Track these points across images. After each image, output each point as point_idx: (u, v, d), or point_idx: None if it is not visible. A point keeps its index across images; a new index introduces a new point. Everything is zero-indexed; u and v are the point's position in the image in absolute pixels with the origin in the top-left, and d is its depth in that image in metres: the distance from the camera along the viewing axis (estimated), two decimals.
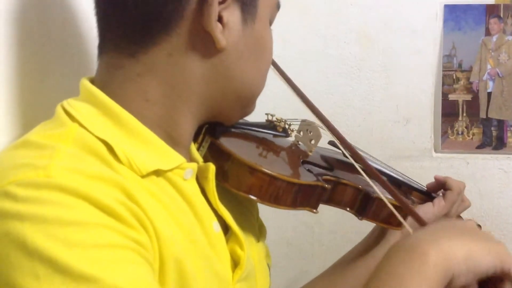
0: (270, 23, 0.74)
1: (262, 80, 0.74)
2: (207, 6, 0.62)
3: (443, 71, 1.48)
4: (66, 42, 0.84)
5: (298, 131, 0.91)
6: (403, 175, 1.06)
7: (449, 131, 1.49)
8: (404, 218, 0.84)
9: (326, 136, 0.87)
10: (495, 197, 1.48)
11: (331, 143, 0.91)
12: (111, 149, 0.59)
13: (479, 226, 0.99)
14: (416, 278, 0.56)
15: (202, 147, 0.76)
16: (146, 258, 0.53)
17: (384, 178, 0.98)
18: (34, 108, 0.76)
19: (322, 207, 1.49)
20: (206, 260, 0.65)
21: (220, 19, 0.64)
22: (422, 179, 1.07)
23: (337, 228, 1.52)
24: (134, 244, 0.52)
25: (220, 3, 0.63)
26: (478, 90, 1.47)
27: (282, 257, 1.56)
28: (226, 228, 0.73)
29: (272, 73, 0.77)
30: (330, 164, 0.92)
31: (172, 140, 0.67)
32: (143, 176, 0.61)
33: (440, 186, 1.04)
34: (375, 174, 0.80)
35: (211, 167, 0.70)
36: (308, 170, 0.83)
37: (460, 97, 1.48)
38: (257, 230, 0.87)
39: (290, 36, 1.50)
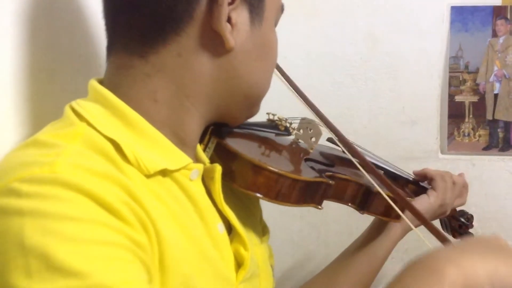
0: (275, 24, 0.75)
1: (268, 80, 0.75)
2: (217, 6, 0.63)
3: (449, 72, 1.48)
4: (74, 43, 0.85)
5: (298, 129, 0.92)
6: (399, 169, 1.08)
7: (456, 133, 1.49)
8: (402, 211, 0.86)
9: (325, 133, 0.88)
10: (502, 198, 1.48)
11: (329, 140, 0.92)
12: (119, 149, 0.59)
13: None
14: None
15: (208, 148, 0.77)
16: (141, 259, 0.53)
17: (381, 172, 0.99)
18: (43, 108, 0.76)
19: (328, 209, 1.50)
20: (209, 261, 0.66)
21: (229, 19, 0.64)
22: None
23: (343, 229, 1.52)
24: (131, 244, 0.52)
25: (229, 3, 0.64)
26: (484, 92, 1.47)
27: (289, 258, 1.57)
28: (230, 229, 0.74)
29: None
30: (331, 160, 0.93)
31: (180, 140, 0.67)
32: (149, 176, 0.61)
33: (424, 179, 1.05)
34: (372, 168, 0.80)
35: (218, 168, 0.70)
36: (311, 167, 0.85)
37: (466, 98, 1.48)
38: (261, 231, 0.88)
39: (296, 37, 1.51)
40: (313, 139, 0.90)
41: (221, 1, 0.62)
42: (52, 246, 0.47)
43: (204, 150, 0.77)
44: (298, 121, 0.93)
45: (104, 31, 0.69)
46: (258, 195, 0.74)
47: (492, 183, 1.48)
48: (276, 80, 0.81)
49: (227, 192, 0.75)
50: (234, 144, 0.76)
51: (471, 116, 1.48)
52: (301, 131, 0.92)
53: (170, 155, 0.65)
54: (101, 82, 0.67)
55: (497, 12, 1.46)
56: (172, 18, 0.63)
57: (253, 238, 0.81)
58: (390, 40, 1.49)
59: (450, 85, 1.48)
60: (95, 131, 0.60)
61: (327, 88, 1.51)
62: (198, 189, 0.68)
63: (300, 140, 0.93)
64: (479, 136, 1.48)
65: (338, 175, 0.85)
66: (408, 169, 1.11)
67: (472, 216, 1.12)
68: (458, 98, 1.48)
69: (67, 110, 0.63)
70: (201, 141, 0.76)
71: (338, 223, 1.52)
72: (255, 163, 0.73)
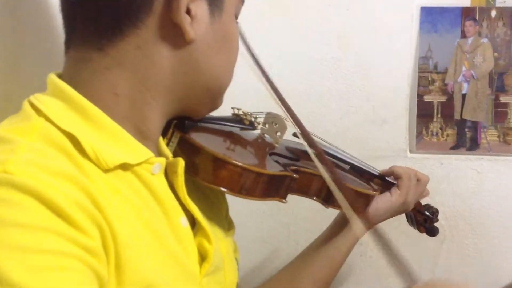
0: (236, 16, 0.75)
1: (229, 73, 0.75)
2: None
3: (418, 72, 1.49)
4: (39, 36, 0.84)
5: (264, 124, 0.93)
6: (367, 165, 1.09)
7: (424, 132, 1.50)
8: (368, 204, 0.86)
9: (290, 128, 0.89)
10: (469, 197, 1.50)
11: (295, 134, 0.93)
12: (77, 143, 0.59)
13: None
14: None
15: (172, 142, 0.77)
16: (92, 267, 0.52)
17: (347, 167, 1.00)
18: (6, 103, 0.75)
19: (298, 207, 1.51)
20: (172, 255, 0.65)
21: (188, 11, 0.64)
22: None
23: (313, 227, 1.51)
24: (81, 251, 0.51)
25: None
26: (453, 92, 1.49)
27: (258, 256, 1.57)
28: (194, 223, 0.73)
29: (237, 67, 0.78)
30: (296, 154, 0.94)
31: (141, 134, 0.67)
32: (109, 170, 0.61)
33: (389, 175, 1.07)
34: (325, 158, 0.79)
35: (181, 162, 0.70)
36: (276, 161, 0.85)
37: (435, 98, 1.50)
38: (226, 226, 0.88)
39: (268, 37, 1.51)
40: (279, 134, 0.91)
41: None
42: None
43: (168, 145, 0.77)
44: (264, 115, 0.93)
45: None
46: (222, 189, 0.74)
47: (459, 182, 1.50)
48: (243, 73, 0.81)
49: (191, 186, 0.75)
50: (198, 138, 0.76)
51: (439, 115, 1.50)
52: (267, 125, 0.92)
53: (131, 149, 0.64)
54: (60, 76, 0.66)
55: (466, 13, 1.48)
56: (131, 10, 0.62)
57: (217, 232, 0.81)
58: (360, 40, 1.50)
59: (419, 85, 1.50)
60: (53, 126, 0.59)
61: (298, 88, 1.52)
62: (160, 183, 0.67)
63: (265, 135, 0.93)
64: (447, 135, 1.50)
65: (302, 169, 0.85)
66: (377, 167, 1.12)
67: (437, 210, 1.13)
68: (427, 98, 1.50)
69: (25, 104, 0.62)
70: (164, 135, 0.76)
71: (307, 221, 1.53)
72: (219, 157, 0.73)
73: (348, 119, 1.52)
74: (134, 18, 0.63)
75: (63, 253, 0.49)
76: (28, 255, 0.47)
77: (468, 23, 1.48)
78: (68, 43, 0.67)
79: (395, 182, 1.05)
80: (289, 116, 0.82)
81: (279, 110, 0.85)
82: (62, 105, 0.62)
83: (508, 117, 1.48)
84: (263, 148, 0.90)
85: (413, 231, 1.16)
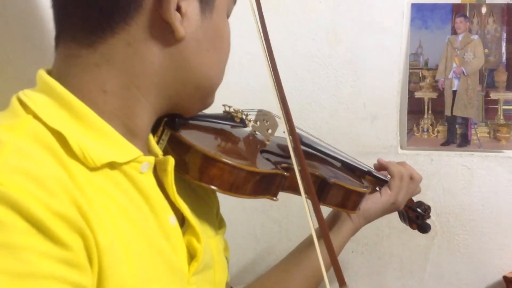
0: (228, 15, 0.75)
1: (220, 71, 0.75)
2: None
3: (409, 69, 1.50)
4: (28, 33, 0.84)
5: (255, 121, 0.92)
6: (358, 162, 1.09)
7: (415, 128, 1.51)
8: (360, 201, 0.86)
9: (281, 126, 0.89)
10: (459, 193, 1.51)
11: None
12: (64, 141, 0.58)
13: None
14: None
15: (162, 140, 0.77)
16: (73, 283, 0.51)
17: (338, 164, 1.00)
18: None
19: (290, 203, 1.51)
20: (160, 254, 0.65)
21: (178, 9, 0.64)
22: (388, 175, 1.09)
23: (305, 223, 1.52)
24: (62, 268, 0.50)
25: None
26: (443, 88, 1.49)
27: (250, 252, 1.57)
28: (184, 222, 0.73)
29: (228, 65, 0.77)
30: (287, 152, 0.93)
31: (130, 131, 0.66)
32: (96, 169, 0.60)
33: (383, 169, 1.07)
34: (300, 154, 0.77)
35: (171, 160, 0.70)
36: (267, 159, 0.85)
37: (426, 95, 1.50)
38: (216, 224, 0.88)
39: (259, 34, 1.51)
40: (270, 131, 0.91)
41: None
42: None
43: (158, 142, 0.76)
44: (255, 113, 0.93)
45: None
46: (212, 187, 0.74)
47: (450, 178, 1.51)
48: (234, 71, 0.81)
49: (182, 184, 0.75)
50: (188, 136, 0.76)
51: (430, 112, 1.50)
52: (258, 123, 0.92)
53: (119, 147, 0.64)
54: (49, 72, 0.65)
55: (457, 10, 1.49)
56: (121, 6, 0.62)
57: (207, 230, 0.81)
58: (351, 37, 1.50)
59: (410, 82, 1.50)
60: (40, 124, 0.58)
61: (289, 84, 1.52)
62: (148, 181, 0.67)
63: (256, 132, 0.93)
64: (438, 132, 1.51)
65: (293, 167, 0.85)
66: (368, 164, 1.12)
67: (429, 207, 1.14)
68: (417, 95, 1.51)
69: (14, 100, 0.61)
70: (154, 133, 0.76)
71: (299, 218, 1.54)
72: (209, 155, 0.73)
73: (339, 115, 1.52)
74: (124, 15, 0.62)
75: (45, 276, 0.49)
76: (10, 279, 0.46)
77: (459, 19, 1.49)
78: (58, 39, 0.66)
79: (386, 179, 1.06)
80: (283, 113, 0.82)
81: (274, 108, 0.85)
82: (50, 102, 0.61)
83: (498, 113, 1.49)
84: (254, 145, 0.89)
85: (405, 227, 1.16)
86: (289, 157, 0.90)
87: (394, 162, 1.08)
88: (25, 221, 0.49)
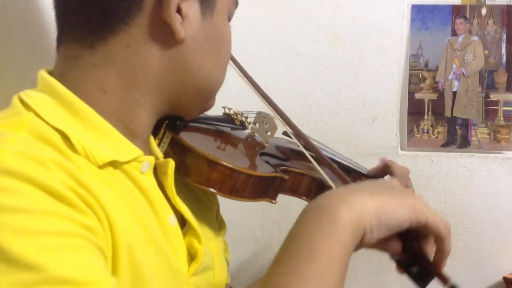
0: (229, 19, 0.75)
1: (221, 74, 0.75)
2: None
3: (409, 70, 1.50)
4: (28, 34, 0.84)
5: (254, 123, 0.93)
6: (354, 163, 1.09)
7: (415, 130, 1.51)
8: None
9: (280, 127, 0.89)
10: (459, 194, 1.50)
11: (285, 133, 0.93)
12: (66, 139, 0.59)
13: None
14: (327, 241, 0.56)
15: (163, 142, 0.77)
16: (97, 244, 0.53)
17: (335, 165, 1.01)
18: None
19: (290, 204, 1.51)
20: (160, 253, 0.66)
21: (179, 10, 0.64)
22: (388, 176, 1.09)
23: None
24: (84, 230, 0.52)
25: None
26: (443, 89, 1.50)
27: (250, 253, 1.57)
28: (183, 223, 0.73)
29: (229, 67, 0.77)
30: (286, 154, 0.94)
31: (130, 132, 0.67)
32: (100, 167, 0.61)
33: (385, 169, 1.07)
34: (327, 161, 0.81)
35: (171, 163, 0.70)
36: (266, 162, 0.85)
37: (426, 96, 1.50)
38: (217, 226, 0.88)
39: (259, 34, 1.51)
40: (269, 133, 0.91)
41: None
42: (6, 239, 0.46)
43: (159, 145, 0.76)
44: (254, 115, 0.93)
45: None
46: (212, 190, 0.74)
47: (450, 179, 1.50)
48: (232, 73, 0.81)
49: (182, 187, 0.75)
50: (189, 139, 0.76)
51: (430, 113, 1.50)
52: (257, 125, 0.92)
53: (120, 146, 0.64)
54: (50, 73, 0.66)
55: (457, 11, 1.49)
56: (121, 7, 0.62)
57: (207, 232, 0.81)
58: (351, 38, 1.50)
59: (410, 83, 1.50)
60: (42, 121, 0.59)
61: (289, 85, 1.52)
62: (149, 181, 0.67)
63: (255, 134, 0.93)
64: (438, 133, 1.51)
65: (292, 169, 0.86)
66: (368, 165, 1.12)
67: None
68: (417, 96, 1.51)
69: (15, 100, 0.62)
70: (156, 135, 0.76)
71: None
72: (210, 158, 0.73)
73: (339, 116, 1.52)
74: (125, 16, 0.63)
75: (67, 233, 0.50)
76: (36, 237, 0.48)
77: (459, 21, 1.49)
78: (59, 40, 0.67)
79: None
80: (278, 116, 0.82)
81: (269, 112, 0.85)
82: (51, 102, 0.62)
83: (498, 114, 1.49)
84: (253, 148, 0.90)
85: None
86: (288, 160, 0.91)
87: (396, 163, 1.08)
88: (40, 190, 0.50)
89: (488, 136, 1.49)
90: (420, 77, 1.50)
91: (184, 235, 0.72)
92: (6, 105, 0.64)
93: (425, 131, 1.51)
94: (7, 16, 0.78)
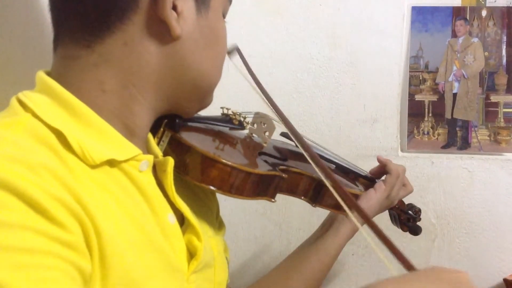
0: (224, 15, 0.75)
1: (217, 70, 0.75)
2: None
3: (410, 71, 1.50)
4: (28, 36, 0.84)
5: (252, 124, 0.93)
6: (351, 164, 1.10)
7: (415, 131, 1.51)
8: (350, 207, 0.87)
9: (279, 128, 0.89)
10: (459, 196, 1.50)
11: (283, 134, 0.94)
12: (63, 139, 0.59)
13: None
14: None
15: (162, 141, 0.77)
16: (74, 263, 0.52)
17: (333, 166, 1.01)
18: None
19: (290, 205, 1.51)
20: (158, 252, 0.66)
21: (174, 7, 0.65)
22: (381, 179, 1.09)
23: (305, 226, 1.53)
24: (61, 248, 0.51)
25: None
26: (444, 91, 1.50)
27: (250, 254, 1.57)
28: (183, 222, 0.74)
29: (226, 67, 0.78)
30: (284, 154, 0.94)
31: (128, 130, 0.67)
32: (95, 166, 0.61)
33: (381, 169, 1.07)
34: (322, 163, 0.81)
35: (170, 161, 0.71)
36: (265, 161, 0.85)
37: (426, 97, 1.50)
38: (216, 225, 0.88)
39: (259, 36, 1.51)
40: (267, 133, 0.91)
41: None
42: None
43: (158, 144, 0.77)
44: (252, 115, 0.93)
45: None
46: (212, 188, 0.74)
47: (450, 181, 1.50)
48: (231, 74, 0.81)
49: (181, 185, 0.75)
50: (188, 137, 0.77)
51: (430, 115, 1.51)
52: (255, 125, 0.93)
53: (118, 145, 0.64)
54: (48, 73, 0.66)
55: (457, 12, 1.49)
56: (118, 6, 0.63)
57: (207, 230, 0.81)
58: (351, 40, 1.51)
59: (410, 84, 1.50)
60: (39, 122, 0.59)
61: (289, 86, 1.52)
62: (148, 180, 0.67)
63: (254, 134, 0.93)
64: (438, 134, 1.51)
65: (291, 169, 0.86)
66: (368, 166, 1.12)
67: (420, 210, 1.15)
68: (418, 97, 1.51)
69: (13, 101, 0.62)
70: (155, 134, 0.76)
71: (299, 220, 1.54)
72: (209, 156, 0.74)
73: (340, 118, 1.52)
74: (121, 14, 0.63)
75: (42, 251, 0.49)
76: (7, 252, 0.47)
77: (459, 22, 1.49)
78: (57, 41, 0.67)
79: (378, 182, 1.06)
80: (279, 117, 0.82)
81: (270, 112, 0.85)
82: (49, 102, 0.62)
83: (499, 116, 1.49)
84: (252, 147, 0.90)
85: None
86: (286, 159, 0.91)
87: (391, 161, 1.08)
88: (21, 201, 0.49)
89: (488, 138, 1.49)
90: (420, 78, 1.50)
91: (183, 233, 0.72)
92: (5, 106, 0.65)
93: (426, 132, 1.51)
94: (7, 17, 0.79)
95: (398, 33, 1.50)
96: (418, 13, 1.49)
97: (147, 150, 0.73)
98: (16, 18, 0.81)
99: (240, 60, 0.85)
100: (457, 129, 1.50)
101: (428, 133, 1.51)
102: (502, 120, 1.49)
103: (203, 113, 0.82)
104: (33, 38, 0.86)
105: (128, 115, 0.67)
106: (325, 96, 1.52)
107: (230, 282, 0.89)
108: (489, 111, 1.49)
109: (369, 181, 1.08)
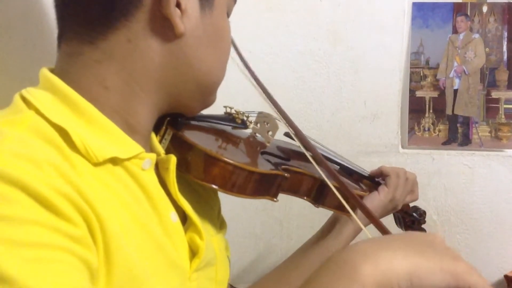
0: (228, 15, 0.75)
1: (221, 69, 0.75)
2: None
3: (410, 68, 1.50)
4: (28, 33, 0.84)
5: (255, 123, 0.93)
6: (355, 165, 1.09)
7: (416, 127, 1.51)
8: (353, 207, 0.87)
9: (282, 128, 0.89)
10: (460, 192, 1.50)
11: (286, 134, 0.93)
12: (67, 137, 0.58)
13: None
14: None
15: (165, 139, 0.77)
16: (81, 257, 0.52)
17: (336, 167, 1.01)
18: None
19: (290, 203, 1.51)
20: (160, 249, 0.65)
21: (178, 5, 0.64)
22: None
23: (305, 223, 1.53)
24: (69, 242, 0.51)
25: None
26: (444, 87, 1.49)
27: (251, 251, 1.57)
28: (185, 220, 0.73)
29: (230, 66, 0.77)
30: (287, 154, 0.94)
31: (131, 128, 0.67)
32: (98, 164, 0.61)
33: (379, 175, 1.07)
34: (326, 163, 0.81)
35: (172, 159, 0.70)
36: (267, 160, 0.85)
37: (427, 93, 1.50)
38: (218, 224, 0.88)
39: (260, 33, 1.51)
40: (270, 133, 0.91)
41: None
42: None
43: (161, 142, 0.76)
44: (256, 114, 0.93)
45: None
46: (214, 186, 0.74)
47: (451, 177, 1.50)
48: (234, 73, 0.81)
49: (184, 183, 0.75)
50: (190, 135, 0.76)
51: (431, 111, 1.50)
52: (258, 124, 0.92)
53: (121, 143, 0.64)
54: (52, 71, 0.66)
55: (458, 8, 1.49)
56: (122, 3, 0.62)
57: (209, 229, 0.81)
58: (352, 36, 1.50)
59: (411, 81, 1.50)
60: (43, 119, 0.59)
61: (290, 83, 1.52)
62: (150, 178, 0.67)
63: (257, 134, 0.93)
64: (439, 131, 1.51)
65: (293, 169, 0.86)
66: (369, 162, 1.12)
67: (424, 212, 1.14)
68: (418, 93, 1.51)
69: (16, 98, 0.62)
70: (157, 132, 0.76)
71: (300, 217, 1.54)
72: (211, 154, 0.73)
73: (340, 114, 1.52)
74: (125, 11, 0.63)
75: (49, 245, 0.49)
76: (16, 248, 0.46)
77: (460, 18, 1.49)
78: (61, 37, 0.67)
79: (382, 183, 1.06)
80: (282, 118, 0.82)
81: (272, 112, 0.85)
82: (53, 99, 0.62)
83: (500, 112, 1.49)
84: (254, 147, 0.90)
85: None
86: (289, 159, 0.91)
87: (384, 166, 1.08)
88: (28, 196, 0.49)
89: (489, 134, 1.49)
90: (421, 75, 1.50)
91: (185, 231, 0.72)
92: (7, 104, 0.65)
93: (426, 129, 1.51)
94: (7, 15, 0.78)
95: (399, 29, 1.50)
96: (419, 9, 1.49)
97: (149, 148, 0.73)
98: (16, 15, 0.80)
99: (243, 60, 0.84)
100: (458, 125, 1.50)
101: (429, 129, 1.51)
102: (503, 116, 1.48)
103: (206, 112, 0.82)
104: (34, 36, 0.85)
105: (130, 112, 0.67)
106: (326, 93, 1.52)
107: (230, 280, 0.89)
108: (490, 107, 1.49)
109: (374, 183, 1.07)
